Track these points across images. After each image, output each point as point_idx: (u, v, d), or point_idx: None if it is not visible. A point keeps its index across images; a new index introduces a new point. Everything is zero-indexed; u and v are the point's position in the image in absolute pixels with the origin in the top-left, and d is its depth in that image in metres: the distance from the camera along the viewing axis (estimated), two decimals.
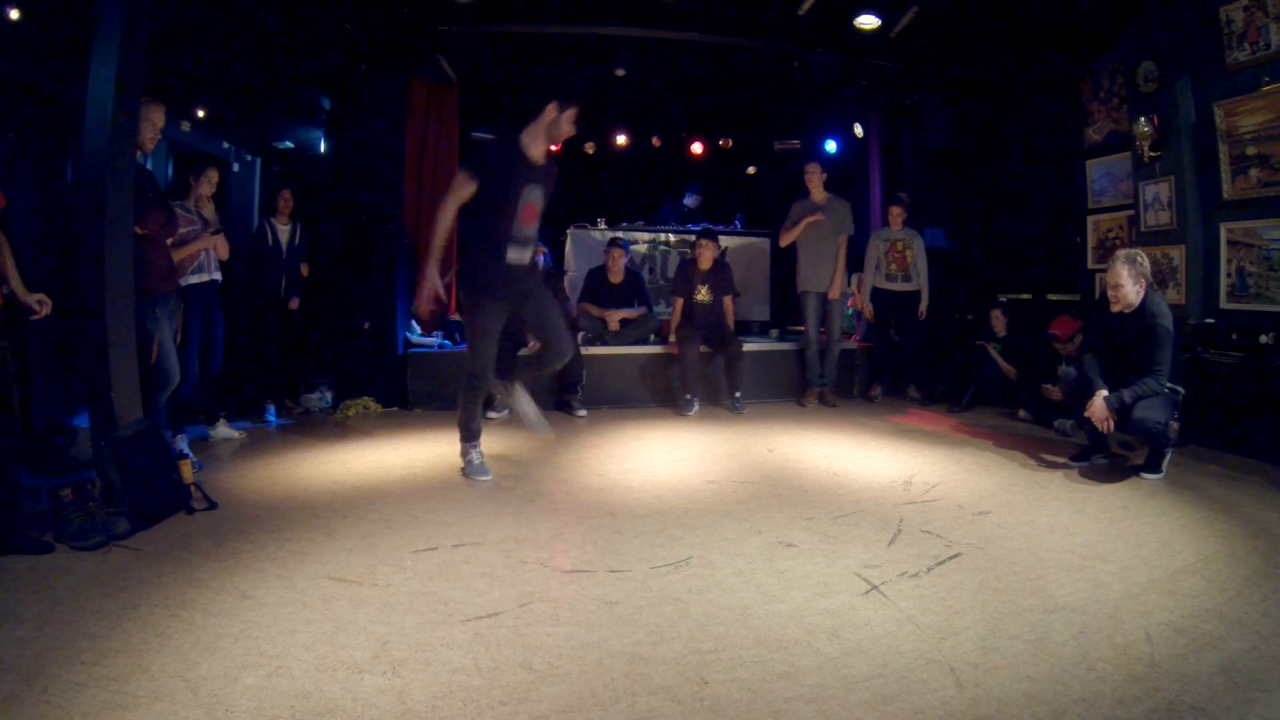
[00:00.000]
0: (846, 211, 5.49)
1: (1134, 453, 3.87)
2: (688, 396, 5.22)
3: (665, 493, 3.24)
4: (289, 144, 6.96)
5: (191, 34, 4.83)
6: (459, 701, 1.62)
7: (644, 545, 2.59)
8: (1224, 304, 4.22)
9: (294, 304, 4.96)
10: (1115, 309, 3.47)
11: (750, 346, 5.68)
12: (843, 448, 4.13)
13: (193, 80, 5.39)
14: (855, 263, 6.00)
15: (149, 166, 3.85)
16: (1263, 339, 3.84)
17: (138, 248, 3.26)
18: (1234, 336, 3.99)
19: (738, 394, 5.31)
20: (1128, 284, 3.38)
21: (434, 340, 5.66)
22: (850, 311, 6.70)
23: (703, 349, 5.33)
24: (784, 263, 6.70)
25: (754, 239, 7.36)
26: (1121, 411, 3.37)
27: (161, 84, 4.24)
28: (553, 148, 3.32)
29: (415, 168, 6.10)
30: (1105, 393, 3.39)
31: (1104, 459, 3.70)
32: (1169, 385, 3.39)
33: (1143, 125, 4.50)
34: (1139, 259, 3.41)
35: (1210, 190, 4.28)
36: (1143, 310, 3.40)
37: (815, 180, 5.45)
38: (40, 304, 2.70)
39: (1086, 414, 3.44)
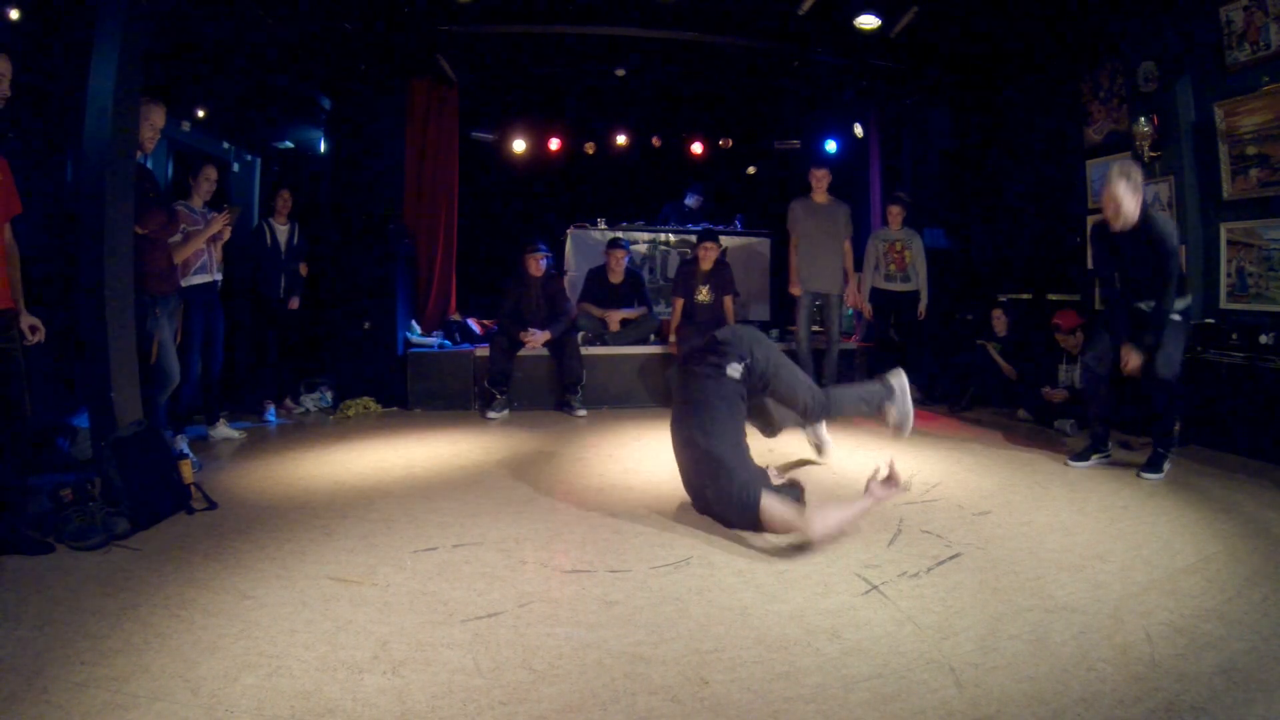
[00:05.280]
0: (847, 215, 5.51)
1: (1134, 452, 3.87)
2: None
3: (665, 493, 3.23)
4: (289, 144, 6.96)
5: (192, 33, 4.83)
6: (459, 701, 1.62)
7: (644, 545, 2.59)
8: (1224, 304, 4.22)
9: (294, 304, 4.96)
10: (1116, 226, 3.40)
11: None
12: (843, 447, 4.12)
13: (193, 80, 5.39)
14: (855, 262, 6.00)
15: (149, 166, 3.85)
16: (1263, 339, 3.84)
17: (138, 248, 3.26)
18: (1234, 336, 3.99)
19: None
20: (1126, 199, 3.32)
21: (434, 340, 5.66)
22: (850, 312, 6.70)
23: None
24: (784, 263, 6.70)
25: (754, 239, 7.36)
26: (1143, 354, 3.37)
27: (161, 84, 4.24)
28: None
29: (415, 168, 6.10)
30: (1130, 344, 3.37)
31: (1104, 459, 3.70)
32: (1178, 311, 3.37)
33: (1143, 125, 4.50)
34: (1132, 172, 3.35)
35: (1210, 190, 4.28)
36: (1145, 226, 3.34)
37: (821, 185, 5.46)
38: (34, 330, 2.66)
39: (1126, 370, 3.40)
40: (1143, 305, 3.45)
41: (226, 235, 4.19)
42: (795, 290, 5.46)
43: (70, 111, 3.34)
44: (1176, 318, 3.40)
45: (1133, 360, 3.40)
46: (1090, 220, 5.20)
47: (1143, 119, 4.50)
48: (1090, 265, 3.70)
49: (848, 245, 5.49)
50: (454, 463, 3.82)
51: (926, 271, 5.56)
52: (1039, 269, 5.70)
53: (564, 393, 5.28)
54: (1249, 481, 3.38)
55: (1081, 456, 3.70)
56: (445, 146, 6.29)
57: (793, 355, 5.58)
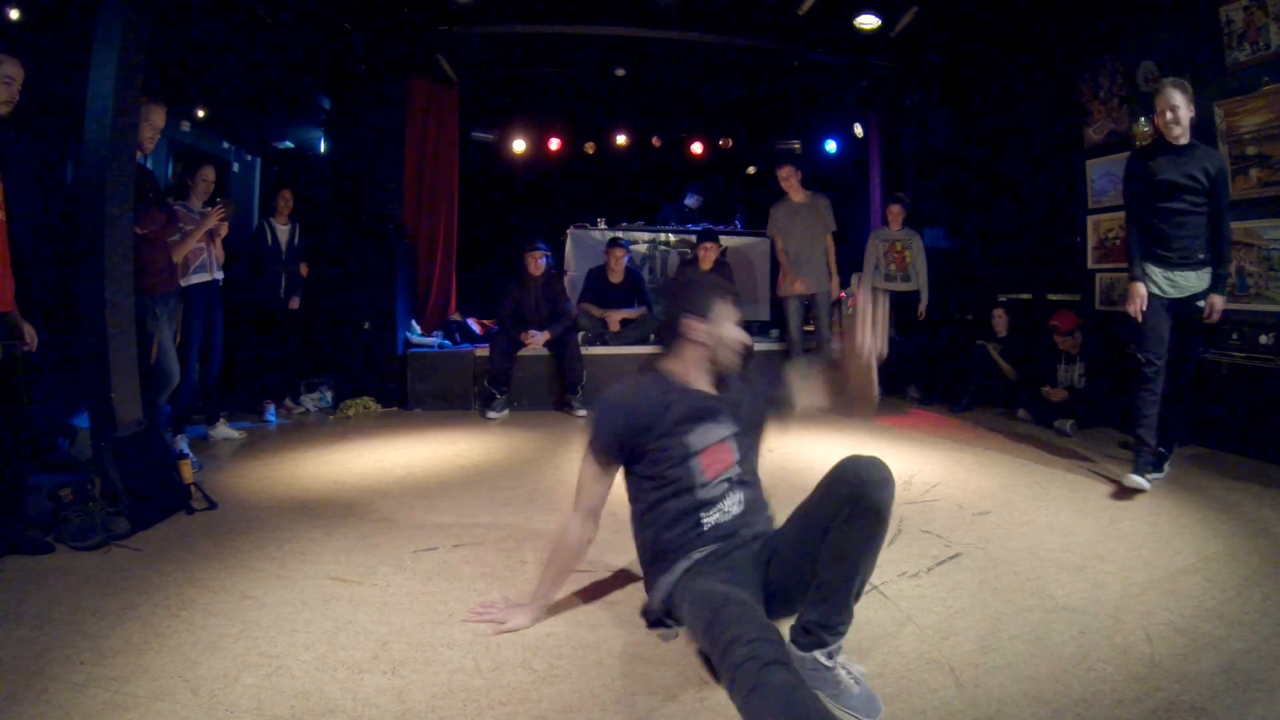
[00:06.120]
0: (828, 208, 5.48)
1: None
2: None
3: None
4: (289, 144, 6.97)
5: (191, 34, 4.83)
6: (459, 701, 1.62)
7: None
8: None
9: (294, 304, 4.96)
10: (1173, 136, 3.24)
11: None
12: (842, 448, 4.11)
13: (193, 80, 5.39)
14: (855, 262, 6.00)
15: (149, 166, 3.84)
16: (1263, 339, 3.83)
17: (138, 248, 3.26)
18: (1234, 336, 3.99)
19: None
20: (1184, 110, 3.20)
21: (434, 340, 5.66)
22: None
23: None
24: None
25: (754, 239, 7.35)
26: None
27: (161, 84, 4.24)
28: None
29: (415, 168, 6.10)
30: (1217, 295, 3.22)
31: (1159, 475, 3.43)
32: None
33: (1143, 125, 4.49)
34: (1187, 87, 3.25)
35: None
36: (1195, 147, 3.26)
37: (792, 183, 5.43)
38: (30, 337, 2.63)
39: (1210, 319, 3.27)
40: (1166, 278, 3.28)
41: (223, 231, 4.16)
42: (783, 292, 5.47)
43: (71, 112, 3.34)
44: (1200, 304, 3.32)
45: (1219, 304, 3.23)
46: (1090, 220, 5.21)
47: (1143, 119, 4.50)
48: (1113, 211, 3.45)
49: (829, 239, 5.45)
50: (454, 463, 3.82)
51: (927, 271, 5.56)
52: (1039, 269, 5.70)
53: (564, 393, 5.28)
54: (1249, 481, 3.37)
55: (1156, 466, 3.36)
56: (445, 146, 6.29)
57: (784, 356, 5.60)
